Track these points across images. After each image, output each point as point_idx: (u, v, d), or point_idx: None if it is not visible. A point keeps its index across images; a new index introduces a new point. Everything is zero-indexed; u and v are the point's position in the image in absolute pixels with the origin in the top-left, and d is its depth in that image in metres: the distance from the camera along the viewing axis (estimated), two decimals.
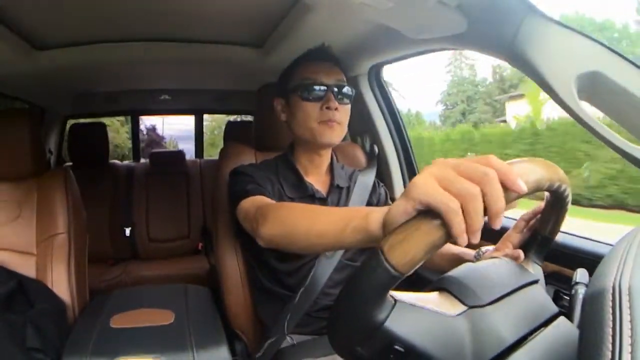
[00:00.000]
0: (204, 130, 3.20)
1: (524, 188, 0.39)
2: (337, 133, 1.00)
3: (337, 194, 1.07)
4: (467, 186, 0.38)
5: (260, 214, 0.79)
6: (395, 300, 0.42)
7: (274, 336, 0.96)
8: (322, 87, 0.98)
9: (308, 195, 1.04)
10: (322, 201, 1.04)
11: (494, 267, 0.51)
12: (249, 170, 1.01)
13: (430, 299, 0.45)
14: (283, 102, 1.05)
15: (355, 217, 0.55)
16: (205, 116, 3.14)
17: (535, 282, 0.51)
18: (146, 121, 12.00)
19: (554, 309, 0.50)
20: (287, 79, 1.04)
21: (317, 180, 1.07)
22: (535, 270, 0.60)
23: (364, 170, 1.16)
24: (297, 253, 0.94)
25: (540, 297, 0.51)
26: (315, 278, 0.96)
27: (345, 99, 1.00)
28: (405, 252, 0.38)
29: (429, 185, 0.39)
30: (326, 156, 1.08)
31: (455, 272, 0.49)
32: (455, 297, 0.45)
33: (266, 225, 0.76)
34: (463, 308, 0.44)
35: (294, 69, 1.03)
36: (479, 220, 0.38)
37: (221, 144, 2.83)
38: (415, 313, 0.42)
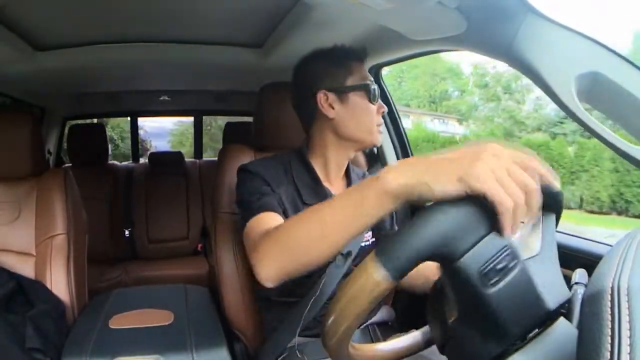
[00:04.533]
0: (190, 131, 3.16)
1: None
2: None
3: None
4: (519, 197, 0.43)
5: (254, 255, 0.70)
6: None
7: (283, 345, 0.95)
8: (378, 92, 0.98)
9: None
10: None
11: None
12: (259, 169, 0.95)
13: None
14: (334, 96, 0.96)
15: (366, 188, 0.52)
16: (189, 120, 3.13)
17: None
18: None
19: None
20: (341, 74, 0.96)
21: (333, 185, 1.02)
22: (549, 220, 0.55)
23: (373, 173, 1.13)
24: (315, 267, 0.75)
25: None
26: (325, 287, 0.93)
27: None
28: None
29: (488, 177, 0.43)
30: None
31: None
32: None
33: (263, 263, 0.67)
34: None
35: (347, 66, 0.97)
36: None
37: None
38: None
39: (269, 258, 0.66)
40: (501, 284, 0.44)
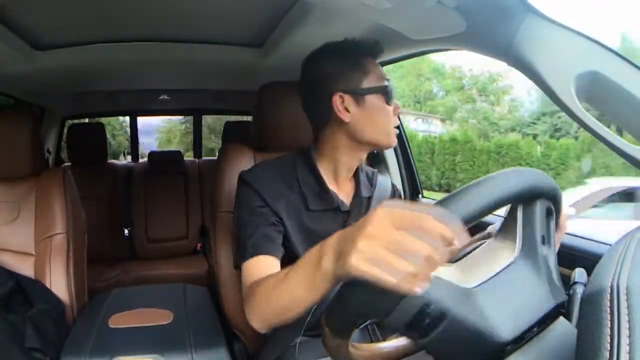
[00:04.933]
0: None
1: (460, 245, 0.43)
2: None
3: (359, 205, 0.99)
4: (406, 268, 0.41)
5: (245, 307, 0.78)
6: None
7: (284, 347, 0.94)
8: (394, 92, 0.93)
9: (333, 208, 0.94)
10: (346, 214, 0.96)
11: None
12: (257, 183, 0.90)
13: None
14: (350, 99, 0.88)
15: (314, 269, 0.57)
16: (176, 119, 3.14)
17: None
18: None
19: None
20: (356, 75, 0.89)
21: (340, 189, 0.97)
22: (532, 220, 0.54)
23: (381, 173, 1.10)
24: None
25: None
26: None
27: None
28: None
29: (360, 264, 0.44)
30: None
31: None
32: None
33: (252, 316, 0.76)
34: None
35: (362, 65, 0.90)
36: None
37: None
38: None
39: (255, 313, 0.75)
40: (432, 335, 0.46)
